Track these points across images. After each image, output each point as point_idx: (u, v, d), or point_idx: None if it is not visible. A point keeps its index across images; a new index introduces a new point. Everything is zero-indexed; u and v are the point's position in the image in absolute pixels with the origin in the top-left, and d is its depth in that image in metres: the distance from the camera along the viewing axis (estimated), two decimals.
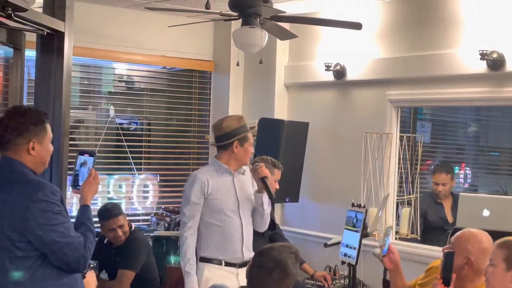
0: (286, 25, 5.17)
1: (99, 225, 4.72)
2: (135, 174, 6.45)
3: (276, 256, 2.89)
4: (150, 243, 5.22)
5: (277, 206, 6.07)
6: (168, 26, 5.69)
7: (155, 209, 6.42)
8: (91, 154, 3.05)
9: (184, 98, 6.74)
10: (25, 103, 4.34)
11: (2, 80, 5.22)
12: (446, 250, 3.13)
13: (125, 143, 6.36)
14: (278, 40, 5.73)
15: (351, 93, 5.75)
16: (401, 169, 5.34)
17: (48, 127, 2.91)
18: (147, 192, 6.52)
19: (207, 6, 4.06)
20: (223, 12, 4.77)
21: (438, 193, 5.44)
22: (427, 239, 5.31)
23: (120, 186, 6.39)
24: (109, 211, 4.79)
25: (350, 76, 5.64)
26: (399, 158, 5.37)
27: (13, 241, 2.72)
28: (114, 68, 6.52)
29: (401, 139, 5.33)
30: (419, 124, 7.30)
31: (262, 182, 4.06)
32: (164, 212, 6.12)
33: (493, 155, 8.25)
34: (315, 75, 5.93)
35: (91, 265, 3.22)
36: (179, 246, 4.24)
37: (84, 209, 2.93)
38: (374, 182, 5.24)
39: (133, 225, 4.99)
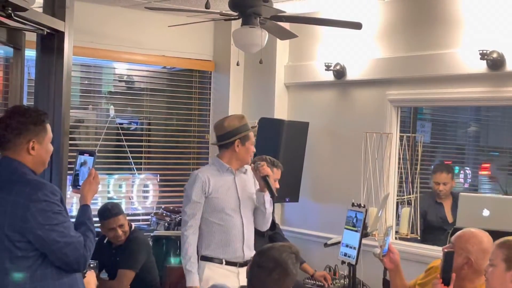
0: (286, 25, 5.16)
1: (99, 224, 4.73)
2: (135, 174, 6.45)
3: (276, 256, 2.89)
4: (150, 243, 5.22)
5: (277, 206, 6.07)
6: (168, 26, 5.69)
7: (155, 209, 6.42)
8: (91, 153, 3.05)
9: (184, 98, 6.74)
10: (25, 103, 4.34)
11: (2, 80, 5.21)
12: (446, 250, 3.13)
13: (125, 143, 6.36)
14: (278, 40, 5.73)
15: (351, 93, 5.75)
16: (401, 169, 5.34)
17: (48, 127, 2.91)
18: (147, 192, 6.52)
19: (207, 5, 4.06)
20: (223, 12, 4.77)
21: (439, 193, 5.44)
22: (427, 239, 5.31)
23: (120, 186, 6.39)
24: (109, 211, 4.79)
25: (350, 76, 5.64)
26: (399, 158, 5.37)
27: (13, 241, 2.72)
28: (114, 68, 6.52)
29: (401, 139, 5.33)
30: (419, 124, 7.30)
31: (264, 181, 4.06)
32: (164, 212, 6.12)
33: (493, 155, 8.26)
34: (315, 75, 5.93)
35: (91, 265, 3.23)
36: (179, 246, 4.25)
37: (84, 208, 2.94)
38: (374, 182, 5.24)
39: (133, 225, 4.99)
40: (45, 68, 3.51)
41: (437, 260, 3.33)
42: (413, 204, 5.20)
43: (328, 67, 5.71)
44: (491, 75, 4.69)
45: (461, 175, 7.97)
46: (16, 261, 2.73)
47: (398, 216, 5.26)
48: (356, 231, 3.72)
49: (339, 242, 3.92)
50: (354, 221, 3.75)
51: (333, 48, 5.79)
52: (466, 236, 3.21)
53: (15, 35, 3.69)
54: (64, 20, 3.44)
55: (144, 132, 6.65)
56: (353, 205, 3.80)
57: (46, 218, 2.71)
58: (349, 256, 3.74)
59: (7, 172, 2.81)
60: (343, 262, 3.83)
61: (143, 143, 6.56)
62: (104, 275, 4.85)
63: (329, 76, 5.76)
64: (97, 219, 4.44)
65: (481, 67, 4.66)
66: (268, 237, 4.94)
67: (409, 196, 5.28)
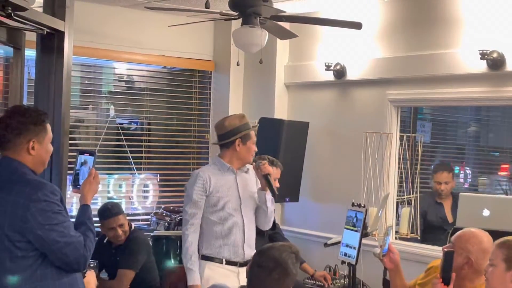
0: (286, 25, 5.16)
1: (99, 224, 4.73)
2: (135, 173, 6.45)
3: (276, 255, 2.89)
4: (150, 242, 5.22)
5: (277, 206, 6.07)
6: (168, 26, 5.69)
7: (155, 208, 6.42)
8: (92, 153, 3.06)
9: (184, 97, 6.74)
10: (25, 102, 4.34)
11: (2, 79, 5.21)
12: (446, 250, 3.13)
13: (125, 143, 6.36)
14: (278, 39, 5.73)
15: (351, 93, 5.75)
16: (401, 169, 5.34)
17: (48, 127, 2.91)
18: (147, 191, 6.52)
19: (207, 5, 4.06)
20: (223, 11, 4.77)
21: (440, 192, 5.44)
22: (427, 238, 5.31)
23: (120, 186, 6.39)
24: (109, 210, 4.79)
25: (350, 76, 5.64)
26: (399, 158, 5.37)
27: (13, 241, 2.72)
28: (114, 68, 6.52)
29: (401, 139, 5.33)
30: (419, 124, 7.30)
31: (265, 180, 4.07)
32: (164, 211, 6.12)
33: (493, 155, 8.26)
34: (315, 75, 5.93)
35: (91, 265, 3.22)
36: (179, 246, 4.25)
37: (84, 208, 2.94)
38: (374, 182, 5.23)
39: (133, 224, 4.99)
40: (45, 68, 3.52)
41: (437, 260, 3.33)
42: (413, 204, 5.20)
43: (328, 67, 5.71)
44: (491, 75, 4.69)
45: (461, 175, 7.97)
46: (16, 261, 2.73)
47: (398, 216, 5.26)
48: (356, 231, 3.72)
49: (339, 242, 3.92)
50: (354, 221, 3.74)
51: (333, 48, 5.79)
52: (466, 236, 3.21)
53: (15, 35, 3.69)
54: (64, 19, 3.44)
55: (144, 132, 6.64)
56: (353, 205, 3.80)
57: (46, 218, 2.71)
58: (349, 256, 3.74)
59: (7, 172, 2.81)
60: (343, 262, 3.83)
61: (143, 143, 6.56)
62: (104, 275, 4.85)
63: (329, 76, 5.76)
64: (97, 218, 4.44)
65: (481, 67, 4.66)
66: (268, 237, 4.94)
67: (409, 196, 5.28)
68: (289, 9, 5.23)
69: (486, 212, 4.33)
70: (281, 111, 6.23)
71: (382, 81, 5.43)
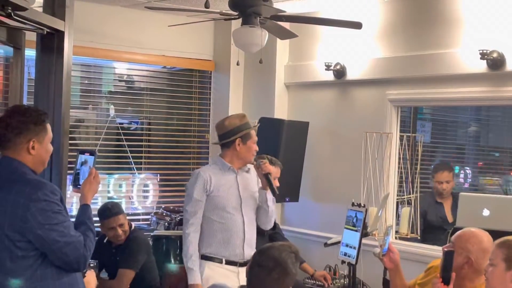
0: (286, 25, 5.17)
1: (99, 224, 4.73)
2: (135, 173, 6.45)
3: (276, 255, 2.89)
4: (150, 242, 5.22)
5: (277, 205, 6.06)
6: (168, 26, 5.69)
7: (155, 208, 6.42)
8: (92, 153, 3.06)
9: (184, 97, 6.74)
10: (25, 102, 4.34)
11: (2, 79, 5.22)
12: (446, 249, 3.13)
13: (125, 143, 6.36)
14: (278, 39, 5.73)
15: (351, 93, 5.75)
16: (401, 168, 5.34)
17: (48, 126, 2.91)
18: (147, 191, 6.52)
19: (207, 5, 4.06)
20: (223, 11, 4.77)
21: (441, 192, 5.44)
22: (427, 238, 5.31)
23: (120, 186, 6.39)
24: (110, 210, 4.79)
25: (350, 75, 5.64)
26: (399, 158, 5.37)
27: (13, 241, 2.72)
28: (114, 68, 6.51)
29: (401, 139, 5.33)
30: (419, 123, 7.30)
31: (266, 179, 4.07)
32: (164, 211, 6.12)
33: (493, 155, 8.26)
34: (315, 75, 5.93)
35: (91, 265, 3.22)
36: (179, 245, 4.25)
37: (84, 208, 2.94)
38: (374, 181, 5.24)
39: (133, 224, 4.99)
40: (45, 67, 3.52)
41: (437, 260, 3.33)
42: (413, 204, 5.20)
43: (328, 67, 5.71)
44: (491, 75, 4.69)
45: (461, 175, 7.97)
46: (16, 260, 2.73)
47: (398, 216, 5.26)
48: (356, 230, 3.72)
49: (339, 242, 3.92)
50: (354, 220, 3.74)
51: (333, 48, 5.79)
52: (466, 235, 3.21)
53: (15, 35, 3.69)
54: (64, 19, 3.45)
55: (144, 132, 6.64)
56: (353, 204, 3.80)
57: (46, 217, 2.71)
58: (349, 256, 3.74)
59: (7, 171, 2.81)
60: (343, 262, 3.83)
61: (143, 143, 6.56)
62: (104, 274, 4.85)
63: (329, 76, 5.76)
64: (97, 218, 4.44)
65: (481, 67, 4.66)
66: (268, 236, 4.94)
67: (409, 196, 5.28)
68: (289, 9, 5.23)
69: (486, 212, 4.33)
70: (281, 111, 6.23)
71: (382, 81, 5.43)
